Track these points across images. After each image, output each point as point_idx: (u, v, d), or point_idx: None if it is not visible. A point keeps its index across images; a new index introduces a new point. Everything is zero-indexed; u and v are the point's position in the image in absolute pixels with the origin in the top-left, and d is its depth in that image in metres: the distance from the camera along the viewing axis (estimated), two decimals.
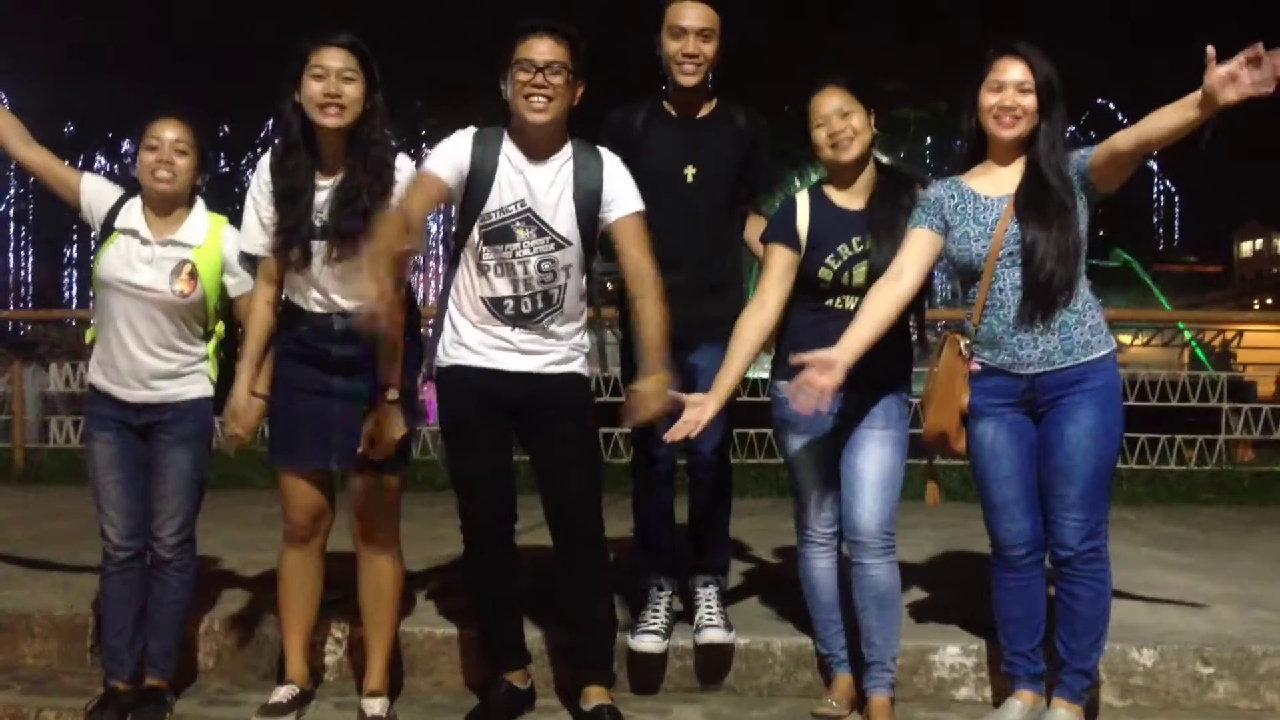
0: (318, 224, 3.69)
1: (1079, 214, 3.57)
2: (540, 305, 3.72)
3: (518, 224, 3.68)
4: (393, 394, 3.70)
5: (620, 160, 3.80)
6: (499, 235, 3.69)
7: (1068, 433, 3.58)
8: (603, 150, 3.80)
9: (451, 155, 3.71)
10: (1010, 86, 3.58)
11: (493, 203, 3.69)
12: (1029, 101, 3.58)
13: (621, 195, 3.73)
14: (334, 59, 3.64)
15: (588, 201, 3.71)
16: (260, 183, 3.76)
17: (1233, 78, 3.14)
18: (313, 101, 3.64)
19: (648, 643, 4.09)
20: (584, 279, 3.81)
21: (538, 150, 3.70)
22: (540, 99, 3.60)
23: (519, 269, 3.69)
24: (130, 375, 3.85)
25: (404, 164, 3.77)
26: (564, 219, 3.70)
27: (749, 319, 3.80)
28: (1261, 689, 4.04)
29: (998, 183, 3.66)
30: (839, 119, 3.73)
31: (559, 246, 3.70)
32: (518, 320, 3.72)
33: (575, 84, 3.68)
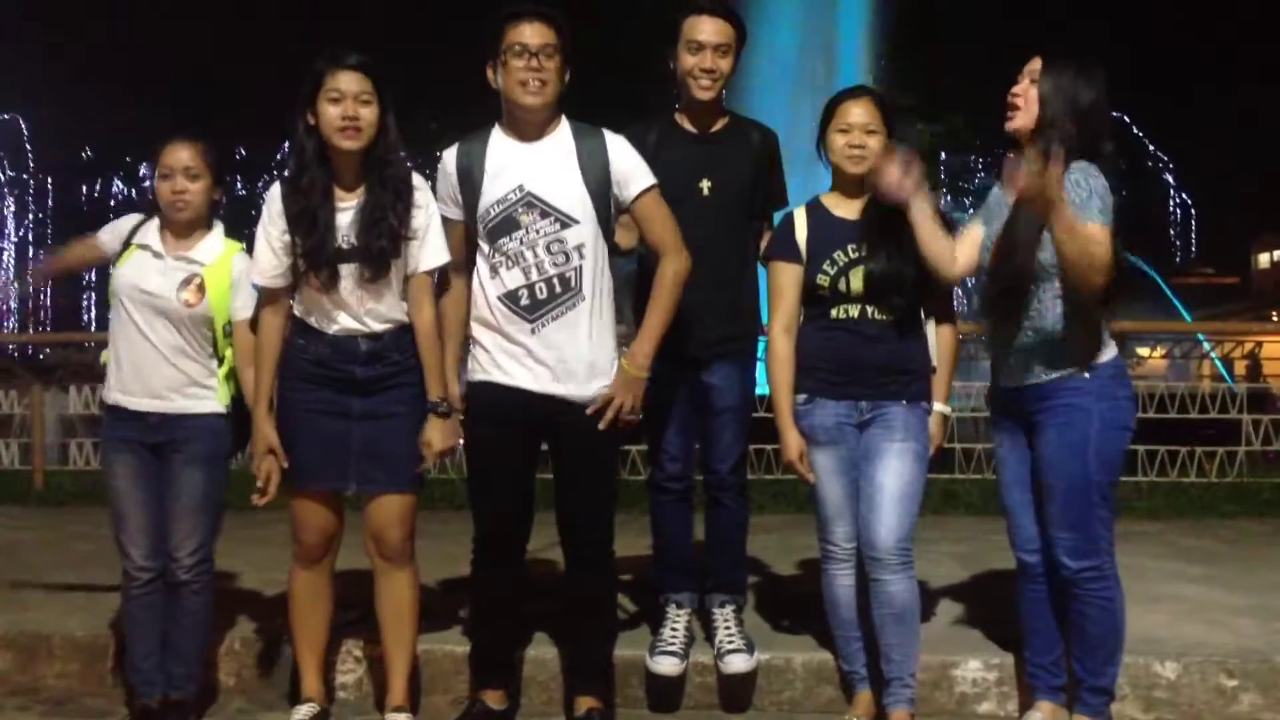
0: (345, 246, 3.68)
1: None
2: (558, 290, 3.66)
3: (520, 210, 3.66)
4: (443, 406, 3.72)
5: (623, 137, 3.78)
6: (503, 227, 3.67)
7: (1038, 451, 3.61)
8: (603, 129, 3.76)
9: (444, 188, 3.77)
10: (1026, 76, 3.56)
11: (489, 197, 3.68)
12: (1032, 92, 3.52)
13: (632, 172, 3.71)
14: (350, 82, 3.64)
15: (596, 175, 3.67)
16: (271, 213, 3.74)
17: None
18: (331, 125, 3.64)
19: (666, 665, 4.07)
20: (605, 266, 3.74)
21: (531, 132, 3.70)
22: (536, 83, 3.61)
23: (528, 254, 3.66)
24: (144, 384, 3.85)
25: (420, 183, 3.78)
26: (568, 195, 3.66)
27: (786, 349, 3.82)
28: None
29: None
30: (863, 133, 3.75)
31: (565, 225, 3.65)
32: (534, 310, 3.66)
33: (566, 67, 3.69)
